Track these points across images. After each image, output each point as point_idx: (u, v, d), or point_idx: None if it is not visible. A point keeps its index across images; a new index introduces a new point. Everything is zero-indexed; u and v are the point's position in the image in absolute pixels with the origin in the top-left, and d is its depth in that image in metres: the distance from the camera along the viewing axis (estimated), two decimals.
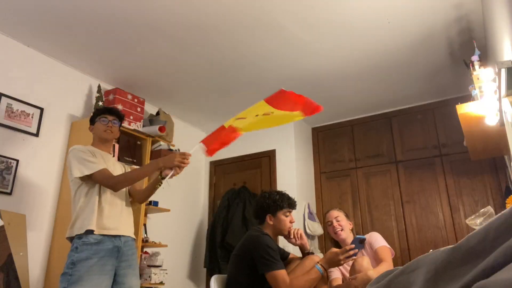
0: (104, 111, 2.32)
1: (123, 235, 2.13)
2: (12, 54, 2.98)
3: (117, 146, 3.36)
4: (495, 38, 2.25)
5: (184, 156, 2.00)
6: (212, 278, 2.17)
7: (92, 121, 2.32)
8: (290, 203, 2.27)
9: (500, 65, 1.60)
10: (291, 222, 2.25)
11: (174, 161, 1.98)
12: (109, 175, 2.10)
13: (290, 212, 2.27)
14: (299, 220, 3.99)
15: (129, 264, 2.13)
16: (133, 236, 2.24)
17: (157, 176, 2.08)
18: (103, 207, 2.10)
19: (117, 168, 2.27)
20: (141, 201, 2.36)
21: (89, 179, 2.10)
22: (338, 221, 2.46)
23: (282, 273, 1.98)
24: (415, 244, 3.77)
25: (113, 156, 2.46)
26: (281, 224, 2.22)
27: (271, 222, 2.22)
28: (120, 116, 2.36)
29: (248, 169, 4.48)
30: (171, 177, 2.01)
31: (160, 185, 2.08)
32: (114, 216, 2.12)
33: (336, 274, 2.37)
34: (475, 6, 2.67)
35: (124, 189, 2.21)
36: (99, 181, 2.09)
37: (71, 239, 2.06)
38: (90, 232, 2.00)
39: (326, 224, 2.55)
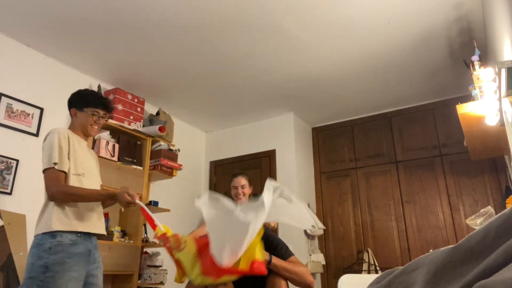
0: (98, 104, 2.08)
1: (93, 234, 1.98)
2: (12, 54, 2.98)
3: (117, 146, 3.36)
4: (495, 38, 2.25)
5: (132, 199, 1.95)
6: None
7: (79, 106, 2.07)
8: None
9: (500, 65, 1.60)
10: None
11: (124, 200, 1.93)
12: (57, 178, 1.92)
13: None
14: None
15: (97, 266, 1.99)
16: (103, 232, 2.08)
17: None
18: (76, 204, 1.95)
19: (89, 159, 2.09)
20: None
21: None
22: (243, 188, 2.54)
23: None
24: (415, 244, 3.77)
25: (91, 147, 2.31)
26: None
27: None
28: (111, 112, 2.25)
29: (248, 169, 4.47)
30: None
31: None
32: (88, 213, 1.98)
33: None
34: (475, 6, 2.67)
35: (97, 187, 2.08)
36: (45, 179, 1.94)
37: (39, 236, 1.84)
38: (55, 231, 1.82)
39: (232, 187, 2.59)
